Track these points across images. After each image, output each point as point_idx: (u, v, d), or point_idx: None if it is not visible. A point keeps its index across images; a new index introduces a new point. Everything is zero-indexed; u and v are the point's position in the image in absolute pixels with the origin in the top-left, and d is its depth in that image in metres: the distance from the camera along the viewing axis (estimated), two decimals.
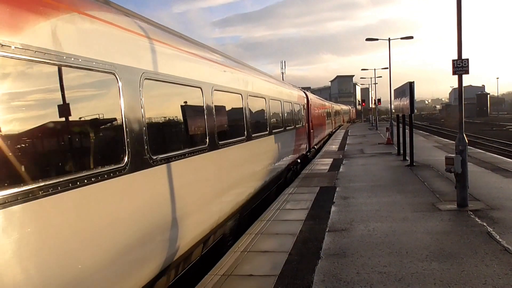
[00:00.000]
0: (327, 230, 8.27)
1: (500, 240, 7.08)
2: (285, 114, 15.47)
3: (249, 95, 10.25)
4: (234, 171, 8.73)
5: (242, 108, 9.78)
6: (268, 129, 12.05)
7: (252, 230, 8.60)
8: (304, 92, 23.48)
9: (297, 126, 18.07)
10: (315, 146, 26.34)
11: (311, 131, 23.33)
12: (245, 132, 9.64)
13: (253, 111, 10.59)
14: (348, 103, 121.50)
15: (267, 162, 11.81)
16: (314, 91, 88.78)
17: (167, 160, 5.53)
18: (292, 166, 16.87)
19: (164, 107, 6.09)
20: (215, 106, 7.55)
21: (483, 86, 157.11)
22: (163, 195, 5.51)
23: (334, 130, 50.34)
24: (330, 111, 45.12)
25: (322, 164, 19.21)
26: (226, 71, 8.76)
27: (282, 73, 68.82)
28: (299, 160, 18.35)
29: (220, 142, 7.63)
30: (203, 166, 6.96)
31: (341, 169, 16.94)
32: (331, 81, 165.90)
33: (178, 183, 5.77)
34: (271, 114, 12.80)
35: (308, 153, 22.25)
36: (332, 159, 20.80)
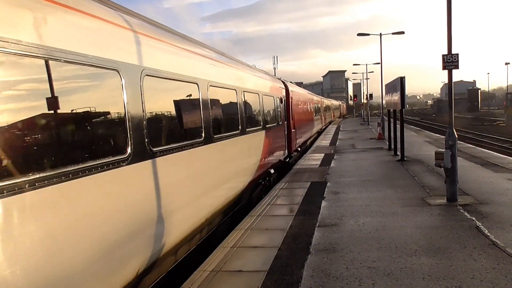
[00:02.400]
0: (317, 225, 8.26)
1: (489, 234, 7.12)
2: (247, 110, 10.93)
3: (147, 74, 5.62)
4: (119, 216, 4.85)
5: (121, 101, 5.06)
6: (204, 134, 7.61)
7: (242, 226, 8.57)
8: (283, 83, 18.84)
9: (268, 126, 13.54)
10: (299, 148, 22.22)
11: (293, 130, 19.10)
12: (128, 149, 5.06)
13: (167, 108, 6.56)
14: (340, 98, 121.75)
15: (200, 189, 7.48)
16: (306, 87, 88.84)
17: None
18: (261, 179, 12.87)
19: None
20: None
21: (474, 81, 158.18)
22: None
23: (324, 127, 46.46)
24: (320, 106, 40.86)
25: (313, 159, 19.22)
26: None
27: (274, 68, 68.55)
28: (272, 171, 14.25)
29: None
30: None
31: (332, 164, 16.96)
32: (323, 77, 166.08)
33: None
34: (213, 110, 8.20)
35: (288, 159, 18.04)
36: (323, 154, 20.82)
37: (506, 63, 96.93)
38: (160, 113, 6.30)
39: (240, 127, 10.13)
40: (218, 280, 5.91)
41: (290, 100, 19.11)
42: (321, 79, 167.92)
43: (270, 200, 10.87)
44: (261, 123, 12.67)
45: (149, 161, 5.56)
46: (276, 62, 68.64)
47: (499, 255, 6.20)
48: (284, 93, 17.79)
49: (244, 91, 10.77)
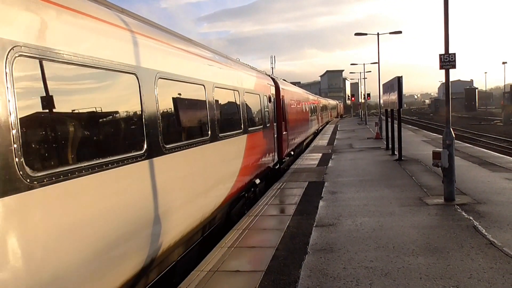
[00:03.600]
0: (314, 225, 8.25)
1: (486, 234, 7.12)
2: (220, 111, 8.85)
3: (23, 54, 3.63)
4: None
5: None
6: (146, 144, 5.49)
7: (239, 226, 8.56)
8: (273, 80, 16.83)
9: (252, 129, 11.55)
10: (292, 152, 20.15)
11: (284, 133, 17.14)
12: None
13: (74, 107, 4.38)
14: (338, 98, 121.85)
15: (142, 224, 5.36)
16: (304, 86, 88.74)
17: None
18: (244, 191, 10.93)
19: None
20: None
21: (472, 81, 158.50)
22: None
23: (320, 128, 45.21)
24: (316, 105, 39.17)
25: (311, 159, 19.23)
26: None
27: (272, 68, 68.57)
28: (257, 181, 12.35)
29: None
30: None
31: (330, 164, 16.96)
32: (321, 76, 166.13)
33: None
34: (165, 112, 6.24)
35: (278, 165, 16.13)
36: (321, 154, 20.84)
37: (504, 63, 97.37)
38: (59, 115, 4.04)
39: (209, 133, 8.01)
40: (215, 280, 5.90)
41: (281, 99, 17.20)
42: (319, 78, 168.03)
43: (267, 200, 10.86)
44: (242, 126, 10.52)
45: (25, 195, 3.43)
46: (274, 62, 68.63)
47: (497, 254, 6.20)
48: (273, 91, 15.86)
49: (216, 87, 8.64)
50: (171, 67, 6.58)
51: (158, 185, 5.74)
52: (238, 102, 10.50)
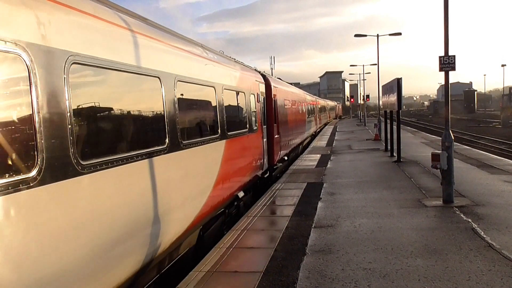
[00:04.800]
0: (313, 226, 8.25)
1: (485, 236, 7.12)
2: (187, 112, 7.21)
3: None
4: None
5: None
6: (43, 161, 3.59)
7: (238, 227, 8.55)
8: (264, 77, 15.09)
9: (232, 133, 9.74)
10: (286, 157, 18.38)
11: (276, 136, 15.43)
12: None
13: None
14: (337, 99, 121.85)
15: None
16: (303, 87, 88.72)
17: None
18: (223, 208, 9.23)
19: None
20: None
21: (471, 83, 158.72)
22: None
23: (318, 130, 43.54)
24: (314, 106, 37.62)
25: (310, 160, 19.24)
26: None
27: (271, 68, 68.44)
28: (241, 194, 10.57)
29: None
30: None
31: (328, 165, 16.97)
32: (320, 77, 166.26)
33: None
34: (89, 113, 4.51)
35: (268, 173, 14.53)
36: (320, 155, 20.85)
37: (503, 65, 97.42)
38: None
39: (167, 140, 6.17)
40: (214, 281, 5.89)
41: (274, 99, 15.52)
42: (318, 79, 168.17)
43: (266, 201, 10.86)
44: (219, 130, 8.77)
45: None
46: (273, 63, 68.50)
47: (495, 257, 6.20)
48: (263, 89, 14.20)
49: (180, 81, 6.83)
50: (97, 49, 4.59)
51: (67, 221, 3.91)
52: (214, 101, 8.68)
